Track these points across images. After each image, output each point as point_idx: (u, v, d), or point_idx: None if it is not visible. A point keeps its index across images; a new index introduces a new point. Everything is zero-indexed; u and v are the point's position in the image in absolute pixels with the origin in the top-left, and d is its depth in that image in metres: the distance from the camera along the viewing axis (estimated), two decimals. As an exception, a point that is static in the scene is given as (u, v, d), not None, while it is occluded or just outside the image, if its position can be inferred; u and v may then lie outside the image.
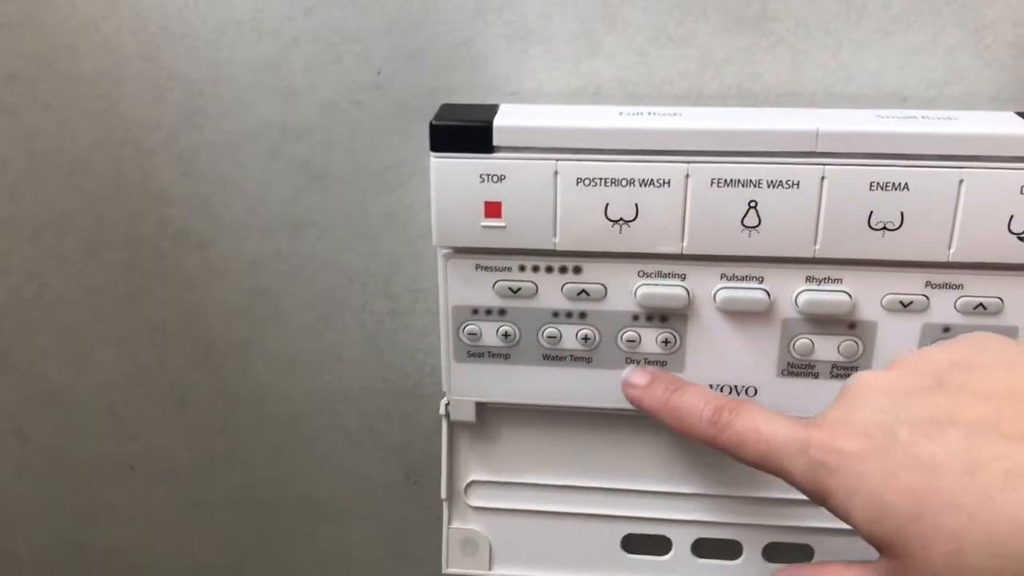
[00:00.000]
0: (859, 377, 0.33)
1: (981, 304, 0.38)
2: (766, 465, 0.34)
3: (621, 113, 0.38)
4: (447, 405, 0.43)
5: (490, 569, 0.46)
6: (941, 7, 0.38)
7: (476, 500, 0.45)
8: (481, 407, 0.43)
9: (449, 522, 0.45)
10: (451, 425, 0.44)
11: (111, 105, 0.43)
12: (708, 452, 0.42)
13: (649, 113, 0.38)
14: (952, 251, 0.37)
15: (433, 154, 0.38)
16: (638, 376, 0.40)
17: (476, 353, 0.42)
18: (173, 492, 0.52)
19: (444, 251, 0.40)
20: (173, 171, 0.44)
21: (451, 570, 0.46)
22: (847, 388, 0.33)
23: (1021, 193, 0.36)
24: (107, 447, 0.51)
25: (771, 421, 0.34)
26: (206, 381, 0.49)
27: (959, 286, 0.38)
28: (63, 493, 0.53)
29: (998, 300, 0.38)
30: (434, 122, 0.38)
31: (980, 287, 0.38)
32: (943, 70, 0.39)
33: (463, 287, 0.40)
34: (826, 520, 0.43)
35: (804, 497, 0.43)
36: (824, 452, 0.31)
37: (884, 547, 0.30)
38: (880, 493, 0.29)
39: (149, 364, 0.49)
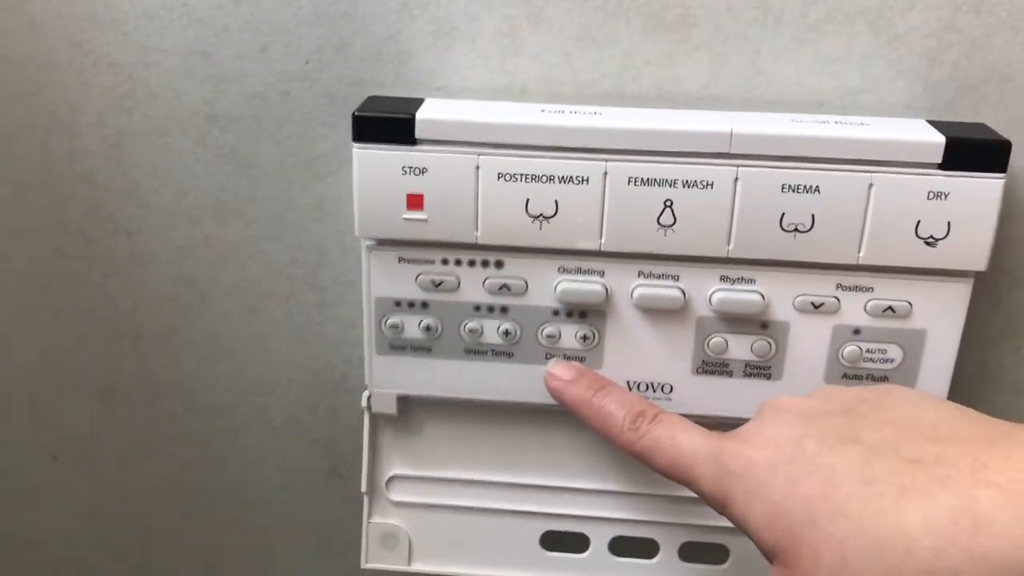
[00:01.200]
0: (777, 399, 0.34)
1: (890, 307, 0.39)
2: (675, 471, 0.34)
3: (543, 110, 0.39)
4: (369, 398, 0.43)
5: (409, 564, 0.46)
6: (856, 17, 0.39)
7: (397, 495, 0.45)
8: (403, 400, 0.43)
9: (369, 516, 0.45)
10: (373, 418, 0.44)
11: (37, 88, 0.43)
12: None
13: (570, 111, 0.39)
14: (862, 254, 0.38)
15: (356, 144, 0.38)
16: (562, 369, 0.40)
17: (398, 346, 0.42)
18: (97, 482, 0.52)
19: (367, 243, 0.40)
20: (100, 156, 0.44)
21: (370, 565, 0.46)
22: (764, 406, 0.34)
23: (928, 199, 0.37)
24: (29, 436, 0.51)
25: (687, 431, 0.35)
26: (131, 370, 0.49)
27: (869, 288, 0.39)
28: (-15, 481, 0.52)
29: (907, 303, 0.39)
30: (357, 113, 0.38)
31: (889, 290, 0.39)
32: (858, 78, 0.40)
33: (386, 279, 0.41)
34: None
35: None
36: (733, 459, 0.32)
37: (775, 553, 0.30)
38: (779, 500, 0.30)
39: (73, 351, 0.48)
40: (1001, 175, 0.36)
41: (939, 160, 0.36)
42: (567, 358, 0.41)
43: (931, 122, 0.38)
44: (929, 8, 0.38)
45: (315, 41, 0.41)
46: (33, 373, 0.49)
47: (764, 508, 0.30)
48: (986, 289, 0.42)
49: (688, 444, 0.34)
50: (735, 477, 0.32)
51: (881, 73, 0.40)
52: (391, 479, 0.45)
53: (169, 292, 0.47)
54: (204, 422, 0.49)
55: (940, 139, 0.36)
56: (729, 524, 0.43)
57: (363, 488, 0.45)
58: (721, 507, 0.33)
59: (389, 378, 0.42)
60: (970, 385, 0.43)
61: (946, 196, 0.37)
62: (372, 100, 0.40)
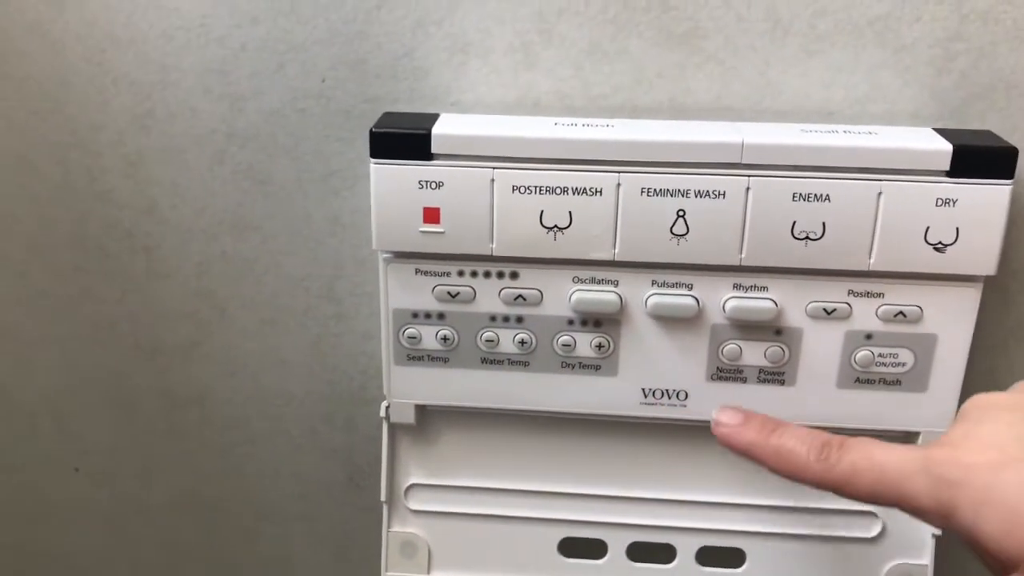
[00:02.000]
0: (977, 398, 0.32)
1: (901, 312, 0.40)
2: (883, 492, 0.32)
3: (556, 124, 0.39)
4: (387, 408, 0.44)
5: (428, 572, 0.46)
6: (863, 28, 0.40)
7: (416, 503, 0.46)
8: (421, 410, 0.44)
9: (389, 525, 0.46)
10: (391, 428, 0.44)
11: (57, 107, 0.44)
12: (642, 455, 0.44)
13: (583, 124, 0.39)
14: (872, 261, 0.39)
15: (373, 160, 0.39)
16: (728, 415, 0.38)
17: (416, 356, 0.42)
18: (116, 494, 0.52)
19: (384, 256, 0.41)
20: (119, 173, 0.45)
21: (390, 573, 0.46)
22: (967, 409, 0.32)
23: (937, 206, 0.38)
24: (51, 449, 0.51)
25: (883, 448, 0.32)
26: (150, 383, 0.49)
27: (880, 294, 0.40)
28: (6, 495, 0.53)
29: (917, 308, 0.40)
30: (374, 129, 0.39)
31: (900, 295, 0.39)
32: (866, 88, 0.40)
33: (403, 291, 0.41)
34: (756, 524, 0.44)
35: (737, 501, 0.44)
36: (948, 467, 0.30)
37: (1017, 563, 0.28)
38: (1015, 504, 0.28)
39: (93, 366, 0.49)
40: (1008, 181, 0.37)
41: (947, 168, 0.37)
42: (582, 367, 0.42)
43: (938, 130, 0.39)
44: (935, 18, 0.39)
45: (331, 59, 0.42)
46: (54, 387, 0.50)
47: (998, 515, 0.28)
48: (996, 292, 0.42)
49: (890, 460, 0.31)
50: (955, 487, 0.29)
51: (889, 83, 0.40)
52: (410, 488, 0.46)
53: (187, 307, 0.47)
54: (222, 434, 0.50)
55: (947, 147, 0.37)
56: (746, 528, 0.44)
57: (382, 497, 0.45)
58: (943, 520, 0.30)
59: (407, 388, 0.43)
60: (981, 388, 0.43)
61: (954, 203, 0.37)
62: (388, 116, 0.41)
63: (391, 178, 0.39)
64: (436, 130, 0.38)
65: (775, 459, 0.35)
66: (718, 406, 0.39)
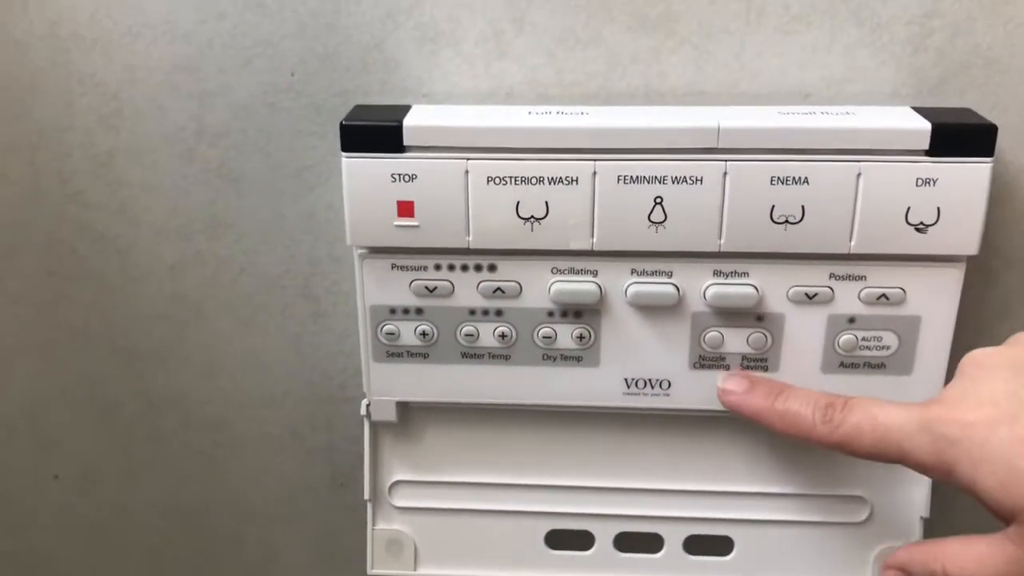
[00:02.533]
0: (973, 355, 0.33)
1: (884, 294, 0.39)
2: (885, 450, 0.33)
3: (530, 113, 0.39)
4: (368, 406, 0.43)
5: (415, 569, 0.46)
6: (839, 7, 0.39)
7: (400, 500, 0.45)
8: (402, 407, 0.43)
9: (374, 523, 0.45)
10: (373, 426, 0.44)
11: (24, 110, 0.43)
12: (627, 446, 0.44)
13: (557, 112, 0.39)
14: (853, 243, 0.38)
15: (344, 154, 0.38)
16: (735, 383, 0.40)
17: (395, 353, 0.42)
18: (98, 500, 0.52)
19: (360, 251, 0.40)
20: (89, 174, 0.44)
21: (376, 571, 0.46)
22: (964, 365, 0.34)
23: (917, 186, 0.37)
24: (29, 456, 0.51)
25: (885, 408, 0.34)
26: (129, 387, 0.48)
27: (862, 277, 0.39)
28: (-14, 505, 0.52)
29: (900, 290, 0.39)
30: (344, 122, 0.38)
31: (882, 277, 0.39)
32: (842, 68, 0.40)
33: (380, 287, 0.41)
34: (743, 511, 0.44)
35: (723, 488, 0.44)
36: (947, 424, 0.31)
37: (1014, 515, 0.30)
38: (1010, 459, 0.29)
39: (70, 371, 0.48)
40: (988, 159, 0.37)
41: (926, 147, 0.37)
42: (564, 358, 0.41)
43: (917, 109, 0.39)
44: (911, -5, 0.39)
45: (300, 53, 0.41)
46: (31, 393, 0.49)
47: (994, 470, 0.30)
48: (980, 272, 0.42)
49: (891, 420, 0.33)
50: (954, 444, 0.31)
51: (866, 62, 0.40)
52: (394, 485, 0.45)
53: (163, 309, 0.46)
54: (203, 437, 0.49)
55: (926, 126, 0.36)
56: (732, 516, 0.44)
57: (366, 495, 0.45)
58: (944, 476, 0.32)
59: (387, 385, 0.42)
60: (966, 369, 0.44)
61: (934, 182, 0.37)
62: (359, 109, 0.40)
63: (363, 172, 0.38)
64: (408, 122, 0.38)
65: (781, 422, 0.37)
66: (723, 374, 0.40)
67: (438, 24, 0.40)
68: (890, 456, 0.33)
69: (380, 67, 0.41)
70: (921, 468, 0.33)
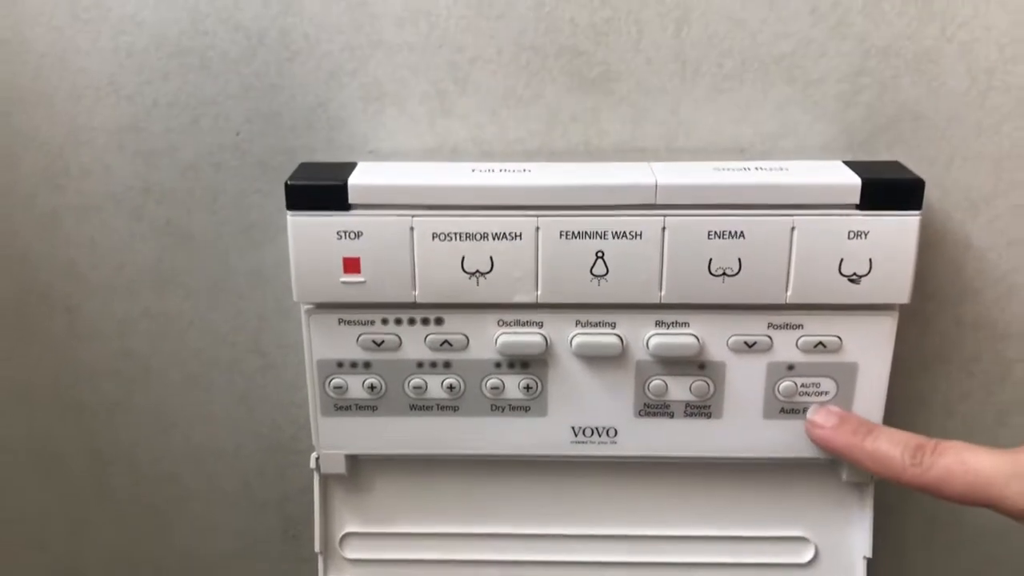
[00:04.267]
0: None
1: (821, 342, 0.40)
2: (975, 495, 0.34)
3: (473, 170, 0.39)
4: (317, 459, 0.43)
5: (368, 621, 0.46)
6: (770, 66, 0.40)
7: (351, 552, 0.45)
8: (352, 459, 0.43)
9: (325, 575, 0.45)
10: (323, 478, 0.44)
11: (-33, 170, 0.43)
12: (575, 493, 0.44)
13: (500, 170, 0.39)
14: (789, 294, 0.39)
15: (290, 212, 0.39)
16: (823, 417, 0.40)
17: (343, 406, 0.42)
18: (45, 557, 0.51)
19: (306, 307, 0.40)
20: (34, 234, 0.44)
21: (329, 624, 0.46)
22: None
23: (849, 238, 0.38)
24: (-25, 515, 0.50)
25: (976, 453, 0.35)
26: (76, 443, 0.48)
27: (799, 326, 0.40)
28: (-70, 565, 0.51)
29: (836, 338, 0.40)
30: (290, 182, 0.38)
31: (819, 326, 0.40)
32: (776, 124, 0.41)
33: (327, 342, 0.41)
34: (690, 555, 0.45)
35: (669, 533, 0.45)
36: None
37: None
38: None
39: (15, 429, 0.48)
40: (916, 212, 0.38)
41: (857, 201, 0.38)
42: (512, 408, 0.42)
43: (848, 163, 0.40)
44: (840, 53, 0.40)
45: (245, 112, 0.42)
46: (-25, 453, 0.49)
47: None
48: (913, 318, 0.43)
49: (983, 466, 0.34)
50: None
51: (798, 118, 0.41)
52: (344, 537, 0.45)
53: (111, 365, 0.46)
54: (153, 492, 0.49)
55: (856, 181, 0.38)
56: (694, 560, 0.44)
57: (317, 548, 0.45)
58: None
59: (336, 438, 0.43)
60: (905, 409, 0.45)
61: (866, 235, 0.38)
62: (304, 168, 0.41)
63: (309, 230, 0.39)
64: (352, 180, 0.38)
65: (871, 462, 0.38)
66: (813, 407, 0.41)
67: (382, 84, 0.41)
68: (981, 501, 0.34)
69: (325, 125, 0.42)
70: (1013, 515, 0.33)
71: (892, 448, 0.37)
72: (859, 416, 0.40)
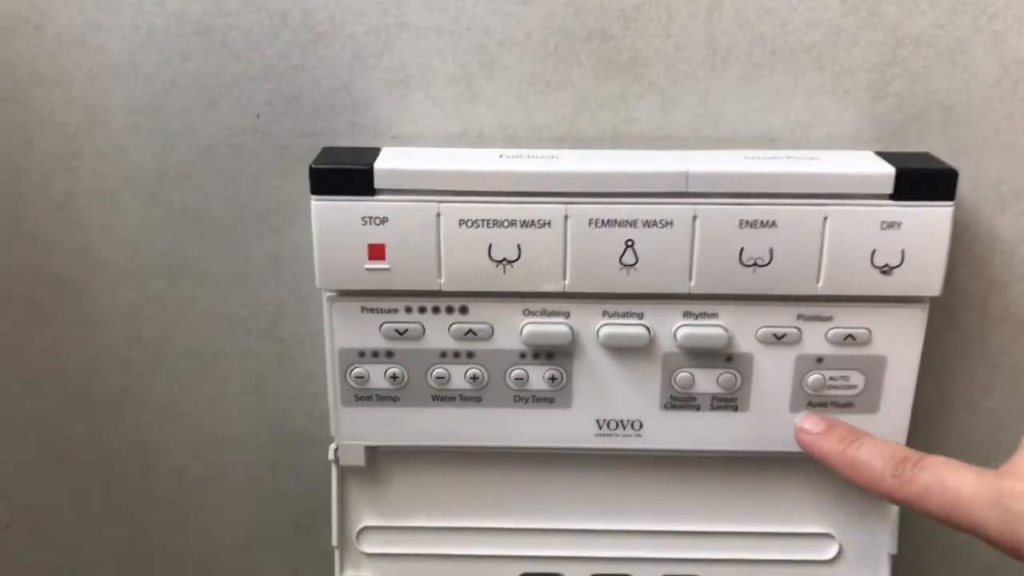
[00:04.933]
0: None
1: (851, 335, 0.40)
2: (953, 518, 0.32)
3: (501, 156, 0.39)
4: (336, 450, 0.42)
5: (384, 616, 0.45)
6: (801, 54, 0.40)
7: (368, 546, 0.44)
8: (371, 451, 0.43)
9: (342, 570, 0.45)
10: (341, 470, 0.43)
11: (-22, 150, 0.42)
12: (599, 487, 0.43)
13: (528, 156, 0.39)
14: (820, 285, 0.39)
15: (314, 197, 0.38)
16: (812, 422, 0.40)
17: (364, 396, 0.41)
18: (52, 550, 0.50)
19: (328, 294, 0.40)
20: (46, 216, 0.43)
21: (344, 619, 0.45)
22: None
23: (882, 229, 0.38)
24: (-22, 507, 0.49)
25: (957, 472, 0.33)
26: (83, 435, 0.47)
27: (829, 318, 0.40)
28: (-69, 557, 0.50)
29: (866, 331, 0.40)
30: (314, 165, 0.38)
31: (849, 318, 0.40)
32: (805, 113, 0.41)
33: (349, 330, 0.40)
34: (714, 551, 0.44)
35: (694, 528, 0.44)
36: (1021, 502, 0.30)
37: None
38: None
39: (22, 418, 0.47)
40: (950, 203, 0.38)
41: (890, 191, 0.37)
42: (536, 399, 0.41)
43: (880, 153, 0.39)
44: (871, 43, 0.40)
45: (266, 94, 0.41)
46: (-20, 442, 0.48)
47: None
48: (942, 312, 0.43)
49: (962, 487, 0.32)
50: None
51: (828, 107, 0.41)
52: (362, 531, 0.44)
53: (121, 354, 0.45)
54: (161, 484, 0.48)
55: (890, 170, 0.37)
56: (704, 556, 0.44)
57: (334, 542, 0.44)
58: (1014, 552, 0.31)
59: (356, 429, 0.42)
60: (929, 406, 0.44)
61: (899, 225, 0.38)
62: (328, 152, 0.40)
63: (333, 215, 0.38)
64: (379, 165, 0.37)
65: (852, 470, 0.37)
66: (803, 413, 0.40)
67: (408, 67, 0.40)
68: (958, 523, 0.33)
69: (348, 109, 0.41)
70: (989, 541, 0.32)
71: (875, 459, 0.36)
72: (848, 424, 0.39)
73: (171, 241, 0.43)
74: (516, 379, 0.41)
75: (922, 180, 0.37)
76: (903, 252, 0.38)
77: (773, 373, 0.40)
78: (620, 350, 0.40)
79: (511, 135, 0.41)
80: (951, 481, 0.33)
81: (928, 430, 0.45)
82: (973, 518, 0.32)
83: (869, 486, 0.36)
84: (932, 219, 0.38)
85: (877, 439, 0.37)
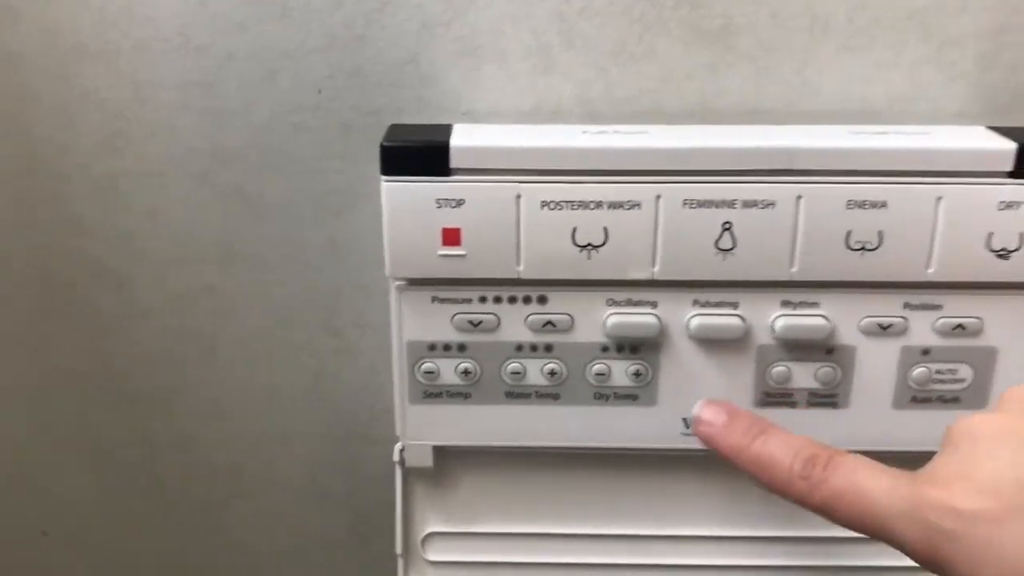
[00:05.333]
0: (968, 423, 0.28)
1: (960, 325, 0.37)
2: (867, 527, 0.29)
3: (585, 132, 0.36)
4: (401, 451, 0.40)
5: (450, 628, 0.42)
6: (904, 22, 0.37)
7: (434, 554, 0.42)
8: (439, 451, 0.40)
9: (404, 578, 0.42)
10: (406, 472, 0.40)
11: (17, 128, 0.39)
12: (683, 491, 0.41)
13: (615, 132, 0.36)
14: (931, 270, 0.36)
15: (384, 178, 0.35)
16: (712, 413, 0.35)
17: (433, 393, 0.38)
18: (91, 557, 0.48)
19: (398, 283, 0.37)
20: (89, 200, 0.40)
21: (407, 632, 0.42)
22: (955, 436, 0.29)
23: (999, 209, 0.35)
24: (16, 509, 0.47)
25: (872, 475, 0.29)
26: (128, 434, 0.45)
27: (938, 306, 0.37)
28: (-37, 564, 0.48)
29: (977, 320, 0.37)
30: (385, 143, 0.35)
31: (959, 307, 0.37)
32: (908, 86, 0.38)
33: (419, 321, 0.37)
34: (815, 558, 0.41)
35: (784, 534, 0.41)
36: (943, 515, 0.26)
37: None
38: (1017, 564, 0.25)
39: (63, 417, 0.45)
40: (1073, 181, 0.35)
41: (1010, 168, 0.35)
42: (618, 396, 0.38)
43: (994, 128, 0.37)
44: (982, 9, 0.37)
45: (327, 67, 0.38)
46: (19, 441, 0.45)
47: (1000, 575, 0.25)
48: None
49: (877, 494, 0.28)
50: (951, 540, 0.26)
51: (932, 79, 0.38)
52: (427, 537, 0.42)
53: (168, 347, 0.43)
54: (210, 486, 0.46)
55: (1011, 146, 0.34)
56: (803, 563, 0.41)
57: (397, 549, 0.41)
58: (933, 567, 0.27)
59: (424, 428, 0.39)
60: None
61: (1019, 205, 0.35)
62: (397, 129, 0.37)
63: (405, 197, 0.35)
64: (454, 142, 0.35)
65: (756, 468, 0.32)
66: (700, 402, 0.36)
67: (479, 37, 0.37)
68: (872, 532, 0.29)
69: (415, 83, 0.38)
70: (907, 552, 0.28)
71: (782, 454, 0.31)
72: (753, 415, 0.35)
73: (222, 226, 0.41)
74: (597, 374, 0.38)
75: (1046, 156, 0.34)
76: (1022, 235, 0.35)
77: (876, 367, 0.38)
78: (711, 343, 0.37)
79: (590, 111, 0.38)
80: (864, 485, 0.29)
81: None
82: (889, 530, 0.28)
83: (774, 486, 0.32)
84: (1056, 199, 0.35)
85: (784, 432, 0.33)
